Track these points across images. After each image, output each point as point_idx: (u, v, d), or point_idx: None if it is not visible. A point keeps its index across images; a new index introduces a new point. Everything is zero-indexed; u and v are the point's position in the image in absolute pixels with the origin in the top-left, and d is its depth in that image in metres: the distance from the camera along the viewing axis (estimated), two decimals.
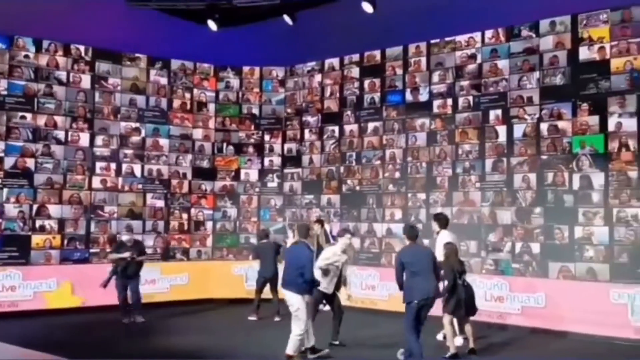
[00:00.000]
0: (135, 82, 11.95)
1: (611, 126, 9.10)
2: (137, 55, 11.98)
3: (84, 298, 10.61)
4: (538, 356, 8.10)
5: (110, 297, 10.05)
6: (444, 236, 8.37)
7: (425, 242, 9.44)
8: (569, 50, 9.59)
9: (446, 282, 7.71)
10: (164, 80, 12.31)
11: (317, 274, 7.99)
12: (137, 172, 11.86)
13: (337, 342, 8.15)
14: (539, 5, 9.64)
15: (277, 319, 9.86)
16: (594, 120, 9.27)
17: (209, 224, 12.65)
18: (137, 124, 11.94)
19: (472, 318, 7.91)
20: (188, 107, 12.62)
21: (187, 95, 12.63)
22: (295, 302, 7.04)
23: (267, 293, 10.32)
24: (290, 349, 7.04)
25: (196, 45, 12.18)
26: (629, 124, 8.95)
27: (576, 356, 8.07)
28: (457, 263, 7.85)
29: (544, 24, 9.87)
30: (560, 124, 9.59)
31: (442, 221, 8.69)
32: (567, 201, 9.41)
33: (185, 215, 12.37)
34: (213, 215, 12.68)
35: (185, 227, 12.36)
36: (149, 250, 11.72)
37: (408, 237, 7.22)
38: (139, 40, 11.53)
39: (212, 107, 12.92)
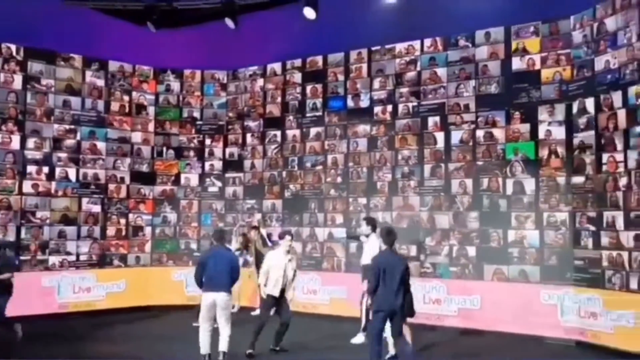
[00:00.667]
0: (70, 83, 11.55)
1: (541, 134, 9.52)
2: (71, 55, 11.58)
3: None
4: (472, 356, 8.33)
5: (40, 307, 9.72)
6: (374, 239, 8.57)
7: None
8: (503, 60, 9.96)
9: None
10: (100, 82, 11.95)
11: (262, 279, 8.13)
12: (72, 176, 11.46)
13: (277, 348, 8.13)
14: (474, 16, 9.99)
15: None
16: (526, 128, 9.66)
17: (148, 229, 12.37)
18: (72, 127, 11.54)
19: (410, 320, 8.05)
20: (127, 110, 12.31)
21: (126, 97, 12.32)
22: (230, 302, 7.46)
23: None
24: (226, 347, 7.31)
25: (135, 47, 11.94)
26: (558, 132, 9.37)
27: (509, 356, 8.36)
28: None
29: (480, 35, 10.22)
30: (495, 131, 9.95)
31: (372, 225, 8.86)
32: (501, 206, 9.76)
33: (123, 221, 12.05)
34: (152, 220, 12.41)
35: (123, 233, 12.03)
36: (83, 257, 11.39)
37: (385, 242, 6.91)
38: (74, 40, 11.15)
39: (151, 110, 12.64)
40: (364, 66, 11.39)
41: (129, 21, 11.51)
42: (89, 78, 11.80)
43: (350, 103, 11.48)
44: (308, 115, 11.95)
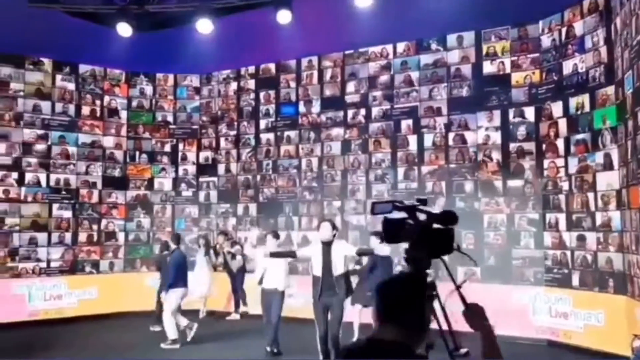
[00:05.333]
0: (39, 87, 11.37)
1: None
2: (41, 59, 11.41)
3: None
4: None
5: (10, 314, 9.53)
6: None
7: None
8: (473, 63, 10.06)
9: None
10: (71, 86, 11.80)
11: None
12: (43, 182, 11.28)
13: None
14: (446, 20, 10.06)
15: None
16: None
17: (121, 235, 12.20)
18: (43, 131, 11.36)
19: None
20: (98, 114, 12.15)
21: (97, 101, 12.15)
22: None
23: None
24: None
25: (106, 50, 11.76)
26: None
27: None
28: None
29: (451, 38, 10.31)
30: (466, 134, 10.04)
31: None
32: (474, 208, 9.86)
33: (95, 227, 11.87)
34: (125, 225, 12.25)
35: (95, 239, 11.85)
36: (55, 264, 11.21)
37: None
38: (42, 44, 10.96)
39: (124, 114, 12.50)
40: (338, 70, 11.42)
41: (100, 24, 11.34)
42: (59, 82, 11.64)
43: (325, 105, 11.48)
44: (282, 118, 11.93)
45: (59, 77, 11.63)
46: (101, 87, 12.21)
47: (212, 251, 11.40)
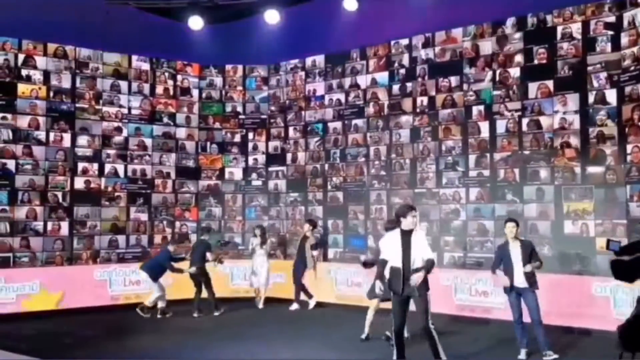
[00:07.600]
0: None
1: None
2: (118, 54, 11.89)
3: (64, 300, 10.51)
4: None
5: (93, 299, 10.08)
6: None
7: None
8: None
9: None
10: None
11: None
12: (120, 172, 11.77)
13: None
14: None
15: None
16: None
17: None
18: (120, 124, 11.84)
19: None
20: (173, 108, 12.52)
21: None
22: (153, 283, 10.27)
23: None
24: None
25: (178, 44, 12.08)
26: None
27: None
28: None
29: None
30: (542, 119, 9.68)
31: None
32: (550, 195, 9.51)
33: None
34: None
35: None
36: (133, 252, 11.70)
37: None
38: (118, 40, 11.38)
39: (195, 106, 12.83)
40: (405, 56, 11.25)
41: (171, 19, 11.65)
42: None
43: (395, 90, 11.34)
44: (349, 104, 11.89)
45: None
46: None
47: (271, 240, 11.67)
